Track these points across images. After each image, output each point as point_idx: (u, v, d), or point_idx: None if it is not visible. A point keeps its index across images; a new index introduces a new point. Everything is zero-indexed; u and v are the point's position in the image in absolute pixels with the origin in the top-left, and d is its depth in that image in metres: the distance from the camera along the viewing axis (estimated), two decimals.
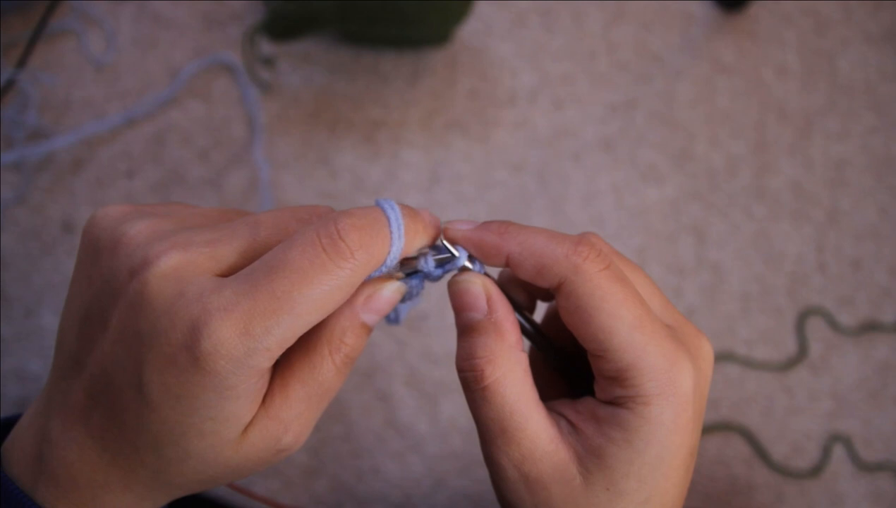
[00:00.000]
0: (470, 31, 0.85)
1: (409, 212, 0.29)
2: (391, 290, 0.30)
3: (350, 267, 0.26)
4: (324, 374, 0.28)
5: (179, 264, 0.26)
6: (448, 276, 0.31)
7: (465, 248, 0.30)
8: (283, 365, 0.29)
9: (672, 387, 0.28)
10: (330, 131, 0.82)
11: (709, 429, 0.78)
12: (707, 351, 0.31)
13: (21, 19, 0.80)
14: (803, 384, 0.81)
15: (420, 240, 0.30)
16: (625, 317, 0.28)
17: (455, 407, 0.76)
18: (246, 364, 0.25)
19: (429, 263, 0.30)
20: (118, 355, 0.27)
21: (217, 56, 0.82)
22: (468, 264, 0.30)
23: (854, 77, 0.89)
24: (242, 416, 0.26)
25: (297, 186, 0.80)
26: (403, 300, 0.31)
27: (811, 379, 0.81)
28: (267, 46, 0.82)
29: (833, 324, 0.82)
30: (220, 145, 0.81)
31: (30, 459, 0.29)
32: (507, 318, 0.29)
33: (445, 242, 0.30)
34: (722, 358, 0.80)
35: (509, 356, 0.29)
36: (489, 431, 0.29)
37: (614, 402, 0.29)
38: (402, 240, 0.28)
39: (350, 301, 0.29)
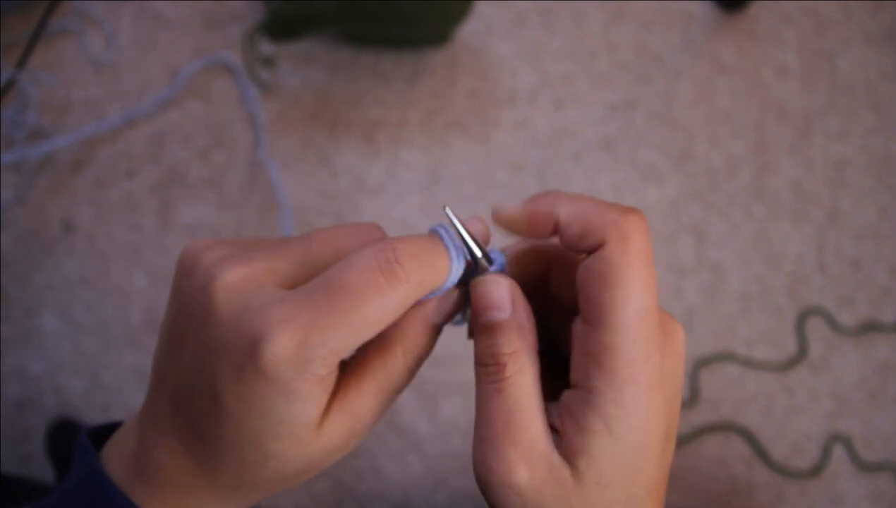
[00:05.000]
0: (470, 31, 0.85)
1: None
2: (456, 295, 0.32)
3: (404, 290, 0.28)
4: (396, 373, 0.31)
5: (242, 278, 0.28)
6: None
7: (515, 223, 0.32)
8: (357, 362, 0.31)
9: (646, 376, 0.29)
10: (330, 131, 0.82)
11: (709, 429, 0.78)
12: (680, 336, 0.32)
13: (21, 19, 0.80)
14: (803, 384, 0.81)
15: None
16: (636, 302, 0.29)
17: (455, 407, 0.76)
18: (306, 371, 0.27)
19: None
20: (194, 367, 0.29)
21: (217, 56, 0.82)
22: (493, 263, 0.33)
23: (854, 77, 0.89)
24: (313, 415, 0.29)
25: (297, 186, 0.80)
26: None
27: (811, 379, 0.81)
28: (267, 46, 0.81)
29: (833, 324, 0.82)
30: (220, 145, 0.81)
31: (129, 459, 0.31)
32: (528, 320, 0.31)
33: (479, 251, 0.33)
34: (722, 358, 0.80)
35: (529, 355, 0.30)
36: (492, 426, 0.30)
37: (589, 388, 0.30)
38: (461, 269, 0.31)
39: (422, 308, 0.31)
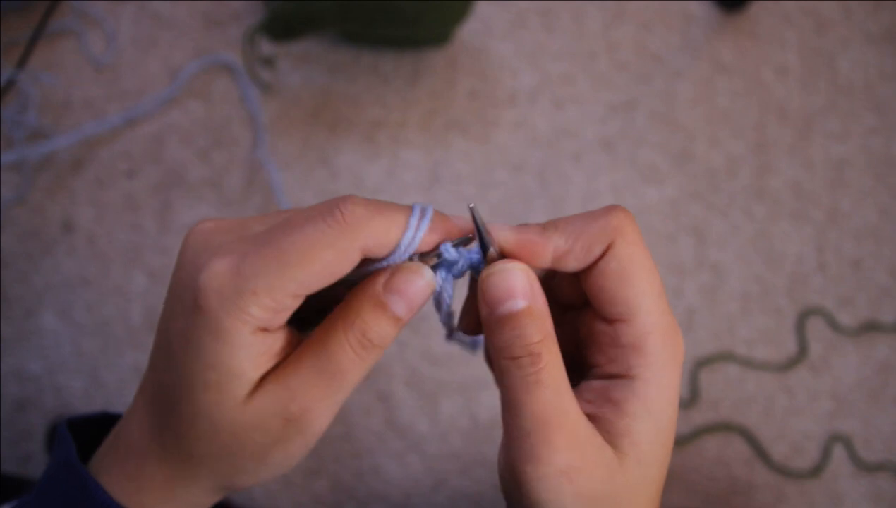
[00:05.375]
0: (470, 31, 0.85)
1: (438, 214, 0.31)
2: (420, 275, 0.30)
3: (340, 228, 0.27)
4: (336, 351, 0.28)
5: (212, 227, 0.30)
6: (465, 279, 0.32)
7: (508, 250, 0.31)
8: (303, 341, 0.30)
9: (677, 355, 0.30)
10: (330, 131, 0.82)
11: (709, 429, 0.78)
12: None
13: (21, 19, 0.80)
14: (803, 384, 0.81)
15: (439, 235, 0.30)
16: (654, 284, 0.30)
17: (455, 407, 0.76)
18: (235, 305, 0.26)
19: (448, 250, 0.31)
20: (164, 316, 0.30)
21: (217, 56, 0.82)
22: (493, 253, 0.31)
23: (854, 77, 0.89)
24: (245, 372, 0.28)
25: (297, 186, 0.80)
26: (440, 304, 0.32)
27: (811, 379, 0.81)
28: (267, 46, 0.82)
29: (833, 324, 0.82)
30: (220, 145, 0.81)
31: (111, 437, 0.32)
32: (545, 304, 0.30)
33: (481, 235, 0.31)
34: (722, 358, 0.80)
35: (554, 340, 0.30)
36: (536, 418, 0.29)
37: (632, 376, 0.30)
38: (418, 239, 0.29)
39: (371, 280, 0.30)
